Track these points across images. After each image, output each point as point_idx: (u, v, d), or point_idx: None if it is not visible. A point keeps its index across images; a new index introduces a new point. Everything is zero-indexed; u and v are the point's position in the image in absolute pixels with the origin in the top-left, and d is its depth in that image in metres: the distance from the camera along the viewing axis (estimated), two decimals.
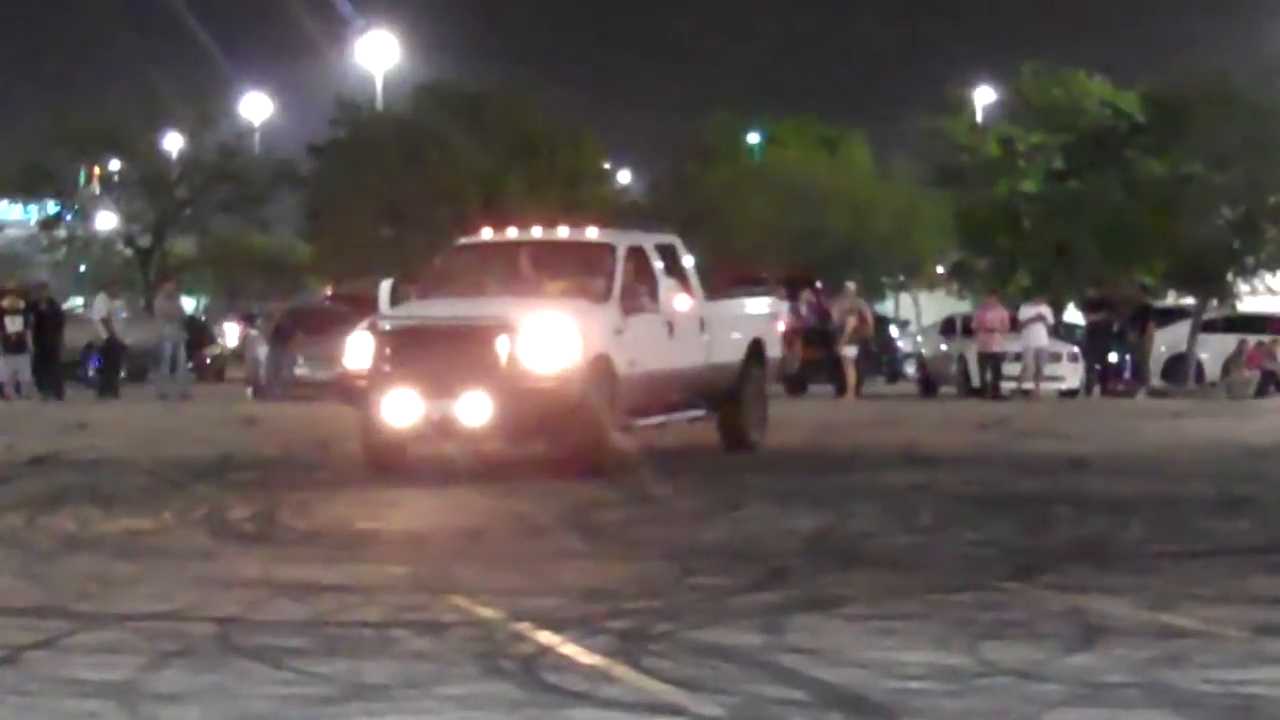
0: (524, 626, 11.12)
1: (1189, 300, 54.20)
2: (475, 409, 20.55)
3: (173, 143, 68.88)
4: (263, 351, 46.26)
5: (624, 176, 78.08)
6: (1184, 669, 9.96)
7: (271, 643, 10.61)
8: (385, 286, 23.29)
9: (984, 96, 71.22)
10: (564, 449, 20.92)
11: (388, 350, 21.27)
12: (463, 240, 25.62)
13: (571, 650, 10.40)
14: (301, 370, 43.96)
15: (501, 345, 20.67)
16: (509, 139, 59.71)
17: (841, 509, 17.36)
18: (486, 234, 25.05)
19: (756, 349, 25.25)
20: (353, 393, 21.52)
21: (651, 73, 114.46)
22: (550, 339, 20.81)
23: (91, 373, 45.88)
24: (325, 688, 9.39)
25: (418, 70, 70.02)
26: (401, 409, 20.83)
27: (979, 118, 69.25)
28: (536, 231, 24.50)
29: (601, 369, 21.17)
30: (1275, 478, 21.06)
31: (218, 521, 16.79)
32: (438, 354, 21.04)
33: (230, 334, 63.24)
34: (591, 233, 24.68)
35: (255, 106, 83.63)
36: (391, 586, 12.80)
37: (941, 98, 68.41)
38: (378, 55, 75.87)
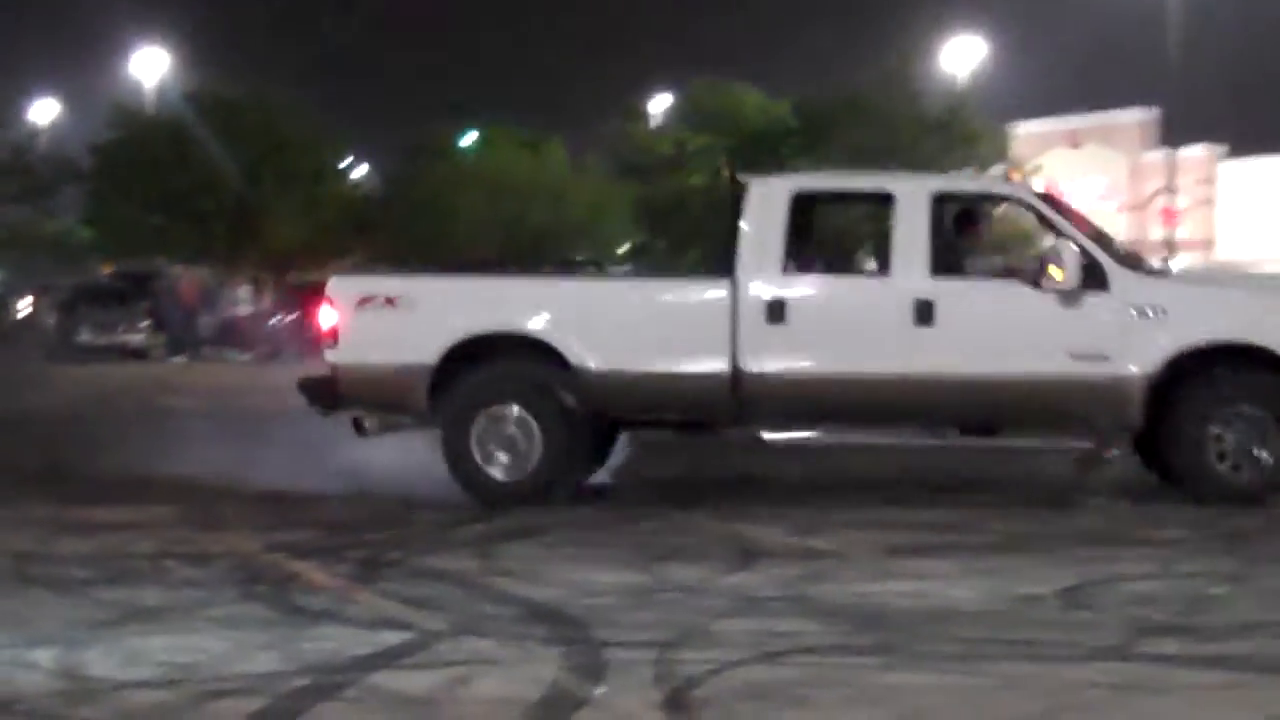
0: (278, 557, 11.07)
1: None
2: None
3: None
4: (52, 320, 45.72)
5: (361, 172, 77.48)
6: (825, 584, 10.13)
7: (60, 573, 10.47)
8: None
9: (661, 104, 71.73)
10: None
11: None
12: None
13: (318, 576, 10.37)
14: (84, 337, 43.54)
15: None
16: (261, 140, 59.32)
17: None
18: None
19: None
20: None
21: (393, 85, 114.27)
22: None
23: None
24: (108, 611, 9.27)
25: (187, 80, 68.80)
26: None
27: (658, 122, 69.98)
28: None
29: None
30: None
31: (11, 469, 16.47)
32: None
33: (24, 305, 62.07)
34: None
35: (44, 110, 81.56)
36: (165, 524, 12.65)
37: (626, 105, 69.25)
38: (151, 67, 74.42)
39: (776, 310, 13.57)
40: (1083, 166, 72.80)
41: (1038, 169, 68.13)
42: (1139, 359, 13.46)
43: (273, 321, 46.47)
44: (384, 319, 13.92)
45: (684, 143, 63.82)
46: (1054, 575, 10.39)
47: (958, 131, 61.78)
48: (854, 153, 58.28)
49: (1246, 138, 65.32)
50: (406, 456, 15.01)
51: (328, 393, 14.14)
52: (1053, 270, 13.41)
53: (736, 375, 13.58)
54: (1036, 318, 13.61)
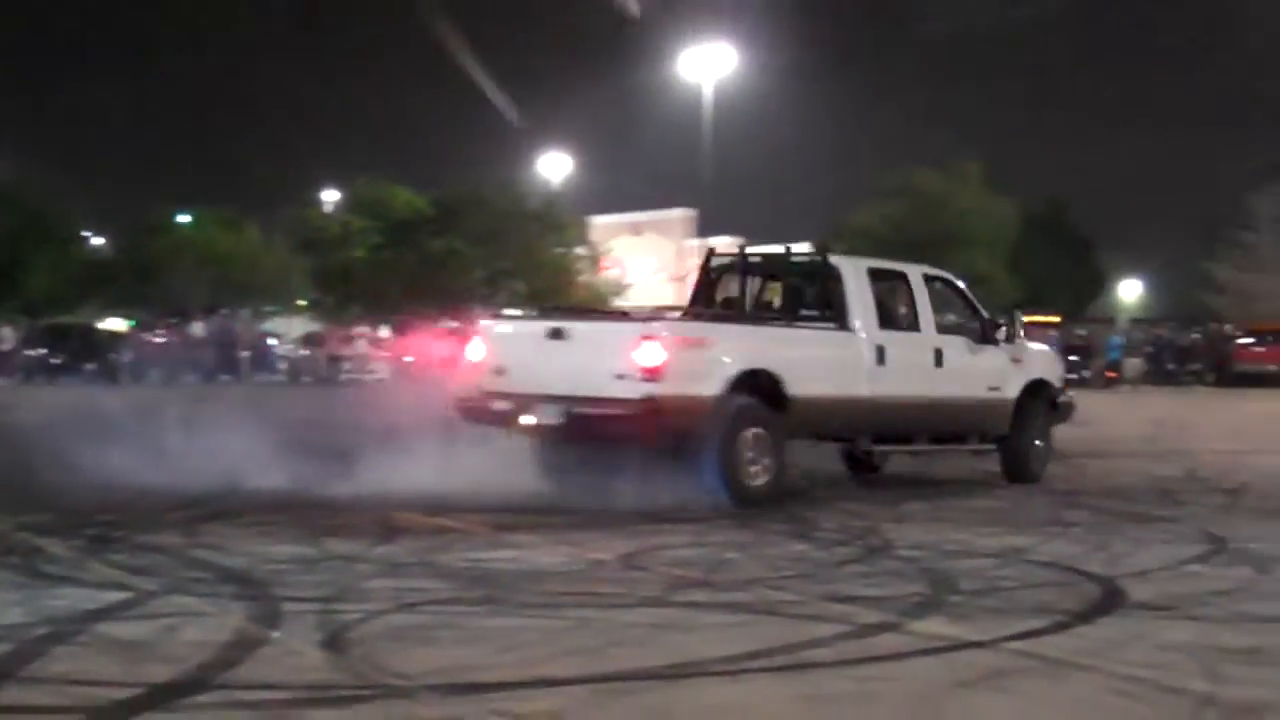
0: (26, 534, 10.61)
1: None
2: None
3: None
4: None
5: (101, 240, 74.90)
6: (449, 553, 10.11)
7: None
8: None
9: (332, 195, 71.12)
10: None
11: None
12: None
13: (58, 549, 9.97)
14: None
15: None
16: (20, 213, 57.63)
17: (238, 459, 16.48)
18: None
19: None
20: None
21: (127, 174, 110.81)
22: None
23: None
24: None
25: None
26: None
27: (329, 208, 69.38)
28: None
29: None
30: None
31: None
32: None
33: None
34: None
35: None
36: None
37: (304, 195, 68.53)
38: None
39: (881, 353, 14.41)
40: (642, 249, 74.52)
41: (609, 250, 69.59)
42: (1012, 389, 15.80)
43: (29, 354, 45.05)
44: (693, 358, 12.88)
45: (348, 224, 63.52)
46: (617, 544, 10.53)
47: (550, 221, 62.56)
48: (474, 238, 58.68)
49: (761, 231, 67.36)
50: (130, 453, 14.49)
51: (636, 420, 12.60)
52: (1020, 331, 15.85)
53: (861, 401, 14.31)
54: (977, 362, 15.52)
